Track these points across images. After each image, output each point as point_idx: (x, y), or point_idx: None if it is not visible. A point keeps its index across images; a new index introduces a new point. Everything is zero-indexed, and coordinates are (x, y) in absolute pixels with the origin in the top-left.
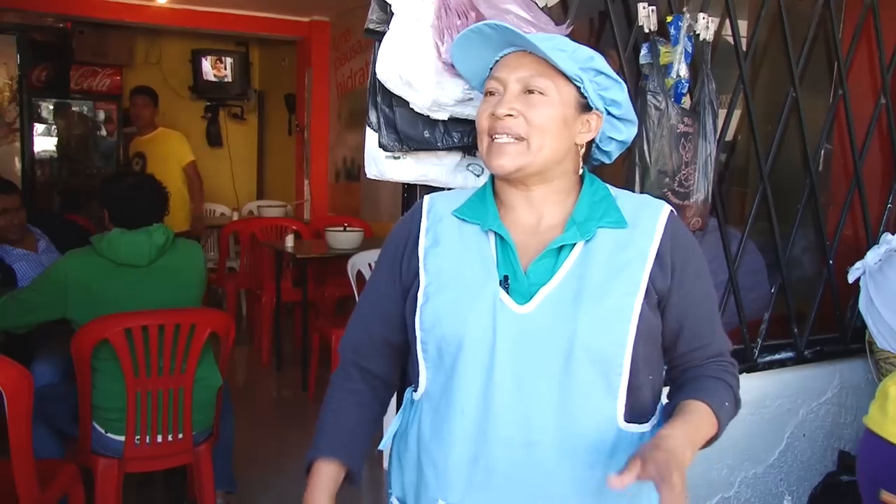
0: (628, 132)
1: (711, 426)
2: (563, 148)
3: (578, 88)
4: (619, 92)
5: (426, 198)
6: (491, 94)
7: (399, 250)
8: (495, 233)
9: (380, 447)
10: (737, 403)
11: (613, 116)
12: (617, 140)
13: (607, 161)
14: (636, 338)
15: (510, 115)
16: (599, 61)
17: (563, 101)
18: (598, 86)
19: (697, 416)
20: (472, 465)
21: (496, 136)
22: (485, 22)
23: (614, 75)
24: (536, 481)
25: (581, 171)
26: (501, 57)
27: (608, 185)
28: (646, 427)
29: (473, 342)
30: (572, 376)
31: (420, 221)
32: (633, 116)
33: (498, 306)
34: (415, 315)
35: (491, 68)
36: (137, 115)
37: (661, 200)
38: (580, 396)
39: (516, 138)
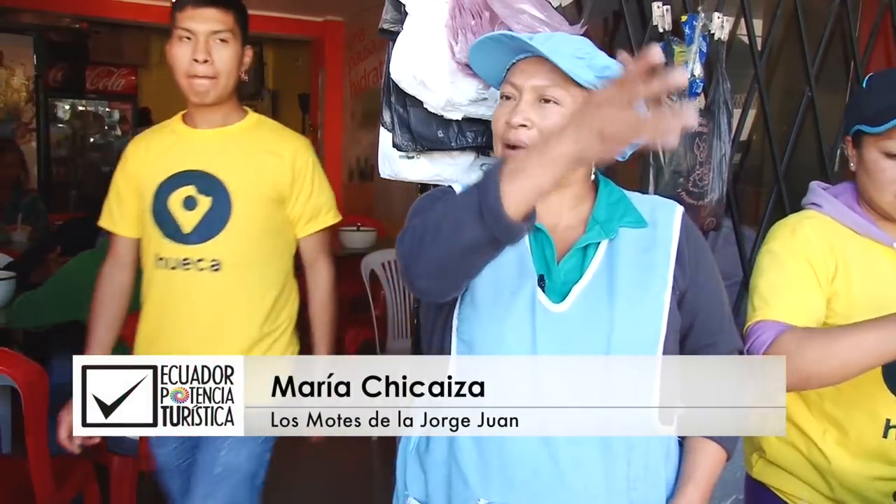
0: None
1: (720, 463)
2: None
3: None
4: None
5: (456, 186)
6: (507, 98)
7: None
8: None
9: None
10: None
11: None
12: None
13: (621, 158)
14: (666, 334)
15: (524, 126)
16: (616, 69)
17: None
18: None
19: (702, 473)
20: (515, 463)
21: (510, 145)
22: (502, 32)
23: None
24: (577, 478)
25: (593, 174)
26: (518, 60)
27: (621, 188)
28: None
29: (513, 341)
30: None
31: None
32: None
33: (536, 306)
34: (452, 305)
35: (508, 69)
36: None
37: (672, 201)
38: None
39: None
